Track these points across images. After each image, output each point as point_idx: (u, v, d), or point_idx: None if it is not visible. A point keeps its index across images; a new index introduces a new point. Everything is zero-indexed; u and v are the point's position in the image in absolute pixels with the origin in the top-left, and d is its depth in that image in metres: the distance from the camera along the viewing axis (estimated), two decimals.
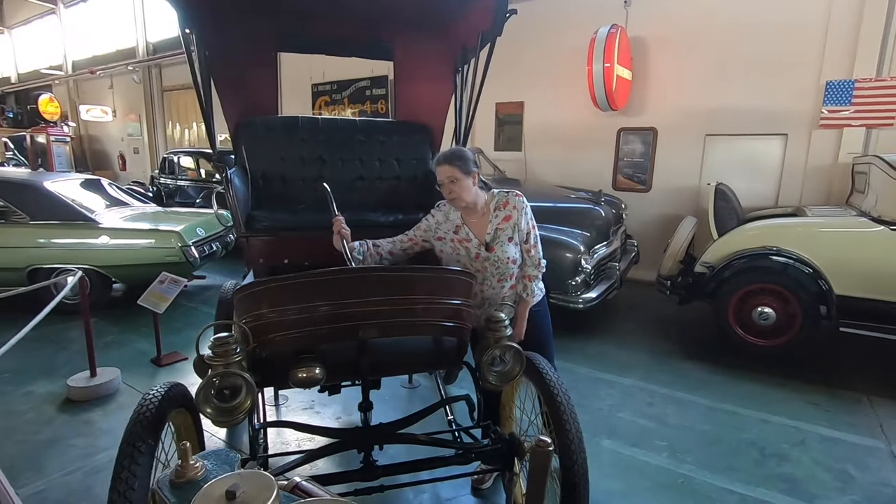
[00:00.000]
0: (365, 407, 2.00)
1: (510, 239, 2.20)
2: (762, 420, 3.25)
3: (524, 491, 2.11)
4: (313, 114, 9.73)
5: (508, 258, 2.19)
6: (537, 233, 2.27)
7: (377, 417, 2.13)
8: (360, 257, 2.23)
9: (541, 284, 2.33)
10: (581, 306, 4.20)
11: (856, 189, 4.79)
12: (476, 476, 2.48)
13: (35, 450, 2.84)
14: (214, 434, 2.98)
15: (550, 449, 1.12)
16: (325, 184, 2.37)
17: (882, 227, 3.75)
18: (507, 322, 1.88)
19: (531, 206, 2.29)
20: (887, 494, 2.56)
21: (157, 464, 1.49)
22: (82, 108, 14.81)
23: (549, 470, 1.14)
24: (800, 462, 2.83)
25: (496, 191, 2.27)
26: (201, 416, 1.62)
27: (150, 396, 1.57)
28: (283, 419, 2.98)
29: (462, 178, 2.10)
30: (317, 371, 1.69)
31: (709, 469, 2.74)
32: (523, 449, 1.86)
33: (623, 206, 5.78)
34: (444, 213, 2.27)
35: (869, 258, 3.77)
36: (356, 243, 2.23)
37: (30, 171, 10.24)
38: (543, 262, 2.29)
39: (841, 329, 3.85)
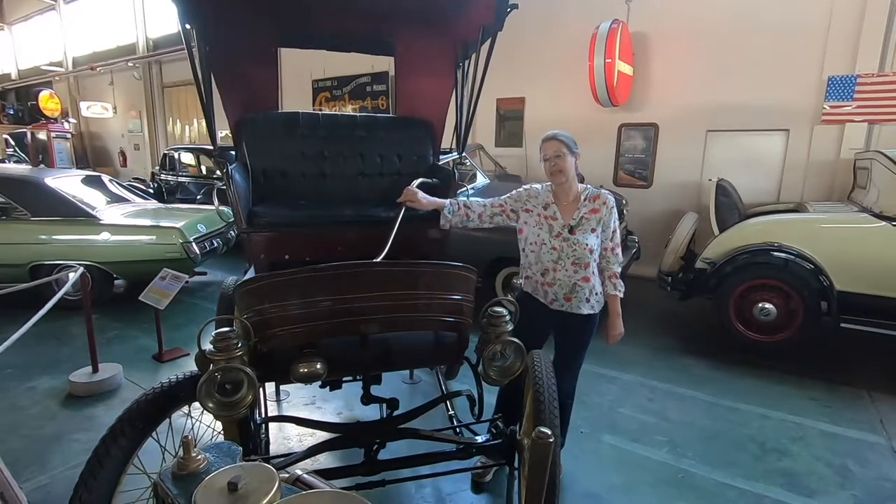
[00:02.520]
0: (368, 401, 2.01)
1: (593, 230, 2.30)
2: (762, 415, 3.26)
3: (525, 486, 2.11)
4: (314, 110, 9.71)
5: (587, 245, 2.28)
6: (620, 233, 2.40)
7: (379, 412, 2.14)
8: (450, 215, 2.37)
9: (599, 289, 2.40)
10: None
11: (858, 185, 4.78)
12: (477, 470, 2.49)
13: (38, 444, 2.86)
14: (215, 429, 2.99)
15: (551, 441, 1.12)
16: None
17: (884, 223, 3.74)
18: (507, 317, 1.88)
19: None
20: (887, 489, 2.57)
21: (164, 455, 1.52)
22: (83, 105, 14.80)
23: (550, 462, 1.14)
24: (800, 457, 2.83)
25: (589, 186, 2.40)
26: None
27: (152, 391, 1.59)
28: (285, 414, 2.99)
29: (567, 154, 2.27)
30: (318, 366, 1.69)
31: (709, 464, 2.75)
32: (524, 443, 1.87)
33: (624, 201, 5.76)
34: (536, 190, 2.40)
35: (870, 254, 3.77)
36: (447, 201, 2.37)
37: (31, 167, 10.24)
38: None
39: (842, 325, 3.85)
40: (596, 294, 2.35)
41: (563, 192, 2.34)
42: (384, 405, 2.08)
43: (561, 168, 2.26)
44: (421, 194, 2.32)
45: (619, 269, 2.38)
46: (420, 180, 2.52)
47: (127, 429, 1.50)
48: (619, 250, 2.37)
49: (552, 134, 2.32)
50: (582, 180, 2.45)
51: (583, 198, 2.33)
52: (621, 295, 2.37)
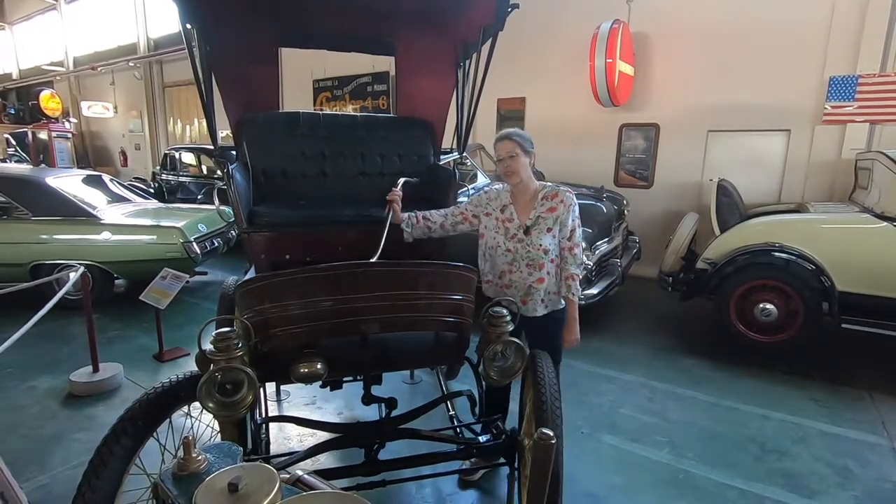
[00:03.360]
0: (368, 402, 2.01)
1: (549, 230, 2.25)
2: (763, 416, 3.25)
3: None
4: (314, 109, 9.71)
5: (541, 246, 2.23)
6: (581, 232, 2.32)
7: (379, 412, 2.14)
8: (409, 229, 2.34)
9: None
10: (583, 302, 4.16)
11: (859, 185, 4.78)
12: (466, 470, 2.48)
13: (39, 444, 2.86)
14: (216, 428, 2.99)
15: (553, 442, 1.12)
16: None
17: (885, 224, 3.74)
18: (508, 317, 1.88)
19: None
20: (888, 490, 2.57)
21: (165, 455, 1.52)
22: (84, 105, 14.82)
23: (552, 463, 1.14)
24: (800, 458, 2.83)
25: (549, 183, 2.35)
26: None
27: (153, 390, 1.60)
28: (285, 414, 2.99)
29: (520, 154, 2.23)
30: (318, 366, 1.69)
31: (709, 464, 2.74)
32: (525, 444, 1.86)
33: (625, 202, 5.76)
34: (496, 192, 2.37)
35: (871, 255, 3.76)
36: (404, 215, 2.33)
37: (32, 167, 10.24)
38: (586, 262, 2.31)
39: (843, 325, 3.85)
40: (550, 294, 2.30)
41: (521, 191, 2.31)
42: (384, 405, 2.08)
43: (514, 169, 2.22)
44: (398, 205, 2.33)
45: (578, 272, 2.29)
46: (403, 180, 2.52)
47: (129, 427, 1.51)
48: (577, 251, 2.29)
49: (505, 133, 2.27)
50: (541, 178, 2.42)
51: (539, 196, 2.28)
52: (576, 299, 2.29)
